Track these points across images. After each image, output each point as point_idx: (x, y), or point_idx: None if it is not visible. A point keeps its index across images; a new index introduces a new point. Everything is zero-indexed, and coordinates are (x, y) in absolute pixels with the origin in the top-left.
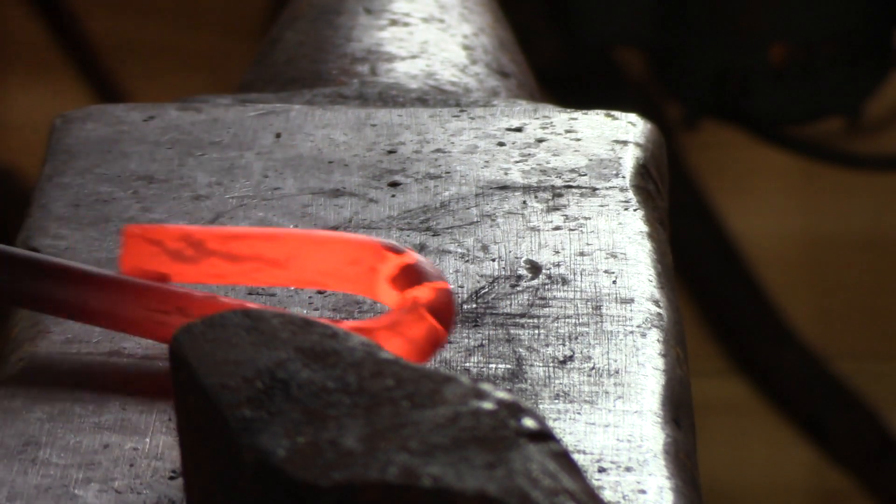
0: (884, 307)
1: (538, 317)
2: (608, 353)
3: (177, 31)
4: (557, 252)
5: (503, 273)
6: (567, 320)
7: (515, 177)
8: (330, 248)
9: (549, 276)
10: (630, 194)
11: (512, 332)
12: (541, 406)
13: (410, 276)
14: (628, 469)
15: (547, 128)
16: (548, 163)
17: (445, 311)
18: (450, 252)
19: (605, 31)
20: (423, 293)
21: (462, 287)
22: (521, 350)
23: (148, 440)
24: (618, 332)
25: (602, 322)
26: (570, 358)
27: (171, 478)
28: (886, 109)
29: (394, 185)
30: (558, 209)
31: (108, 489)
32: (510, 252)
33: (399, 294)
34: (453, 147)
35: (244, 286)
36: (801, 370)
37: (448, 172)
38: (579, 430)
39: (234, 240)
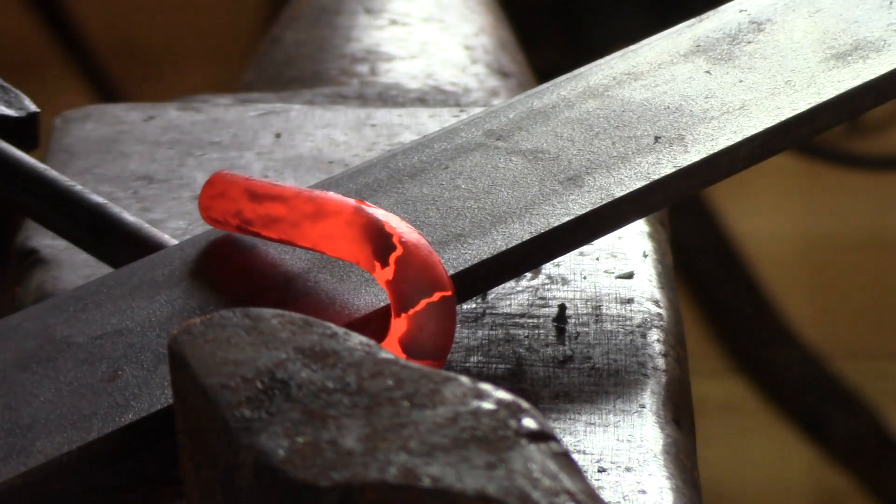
0: (884, 307)
1: (538, 317)
2: (608, 353)
3: (177, 31)
4: None
5: None
6: (567, 320)
7: None
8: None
9: (549, 276)
10: None
11: (512, 332)
12: (541, 406)
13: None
14: (628, 469)
15: None
16: None
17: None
18: None
19: (605, 31)
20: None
21: None
22: (521, 350)
23: None
24: (618, 332)
25: (602, 322)
26: (570, 358)
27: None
28: (886, 109)
29: None
30: None
31: None
32: None
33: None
34: None
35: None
36: (801, 370)
37: None
38: (579, 430)
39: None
